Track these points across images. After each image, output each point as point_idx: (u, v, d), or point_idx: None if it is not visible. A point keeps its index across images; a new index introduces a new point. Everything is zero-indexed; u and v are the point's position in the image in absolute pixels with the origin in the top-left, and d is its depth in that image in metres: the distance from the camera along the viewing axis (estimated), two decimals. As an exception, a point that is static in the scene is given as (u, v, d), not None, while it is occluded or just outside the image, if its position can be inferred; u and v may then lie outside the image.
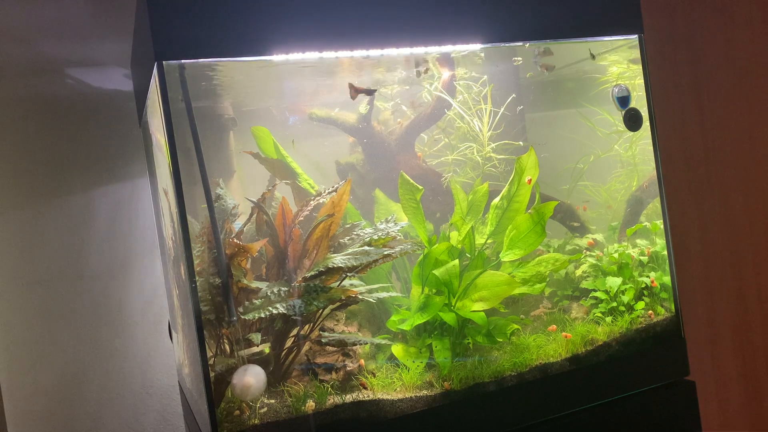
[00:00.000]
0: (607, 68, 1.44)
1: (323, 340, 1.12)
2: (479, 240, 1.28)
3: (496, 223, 1.28)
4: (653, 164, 1.31)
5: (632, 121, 1.31)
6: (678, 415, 1.24)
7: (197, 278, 0.97)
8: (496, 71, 1.41)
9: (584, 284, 1.35)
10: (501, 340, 1.19)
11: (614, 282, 1.31)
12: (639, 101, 1.31)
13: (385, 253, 1.12)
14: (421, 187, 1.22)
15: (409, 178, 1.22)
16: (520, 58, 1.39)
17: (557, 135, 1.54)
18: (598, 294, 1.32)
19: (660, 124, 1.32)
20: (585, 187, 1.55)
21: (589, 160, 1.52)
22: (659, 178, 1.31)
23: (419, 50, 1.17)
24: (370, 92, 1.21)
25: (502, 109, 1.41)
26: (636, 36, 1.27)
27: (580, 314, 1.32)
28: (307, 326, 1.13)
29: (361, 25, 1.05)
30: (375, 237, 1.16)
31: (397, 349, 1.14)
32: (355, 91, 1.17)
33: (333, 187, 1.17)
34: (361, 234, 1.19)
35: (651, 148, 1.30)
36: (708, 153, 1.96)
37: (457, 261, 1.19)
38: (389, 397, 1.06)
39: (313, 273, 1.08)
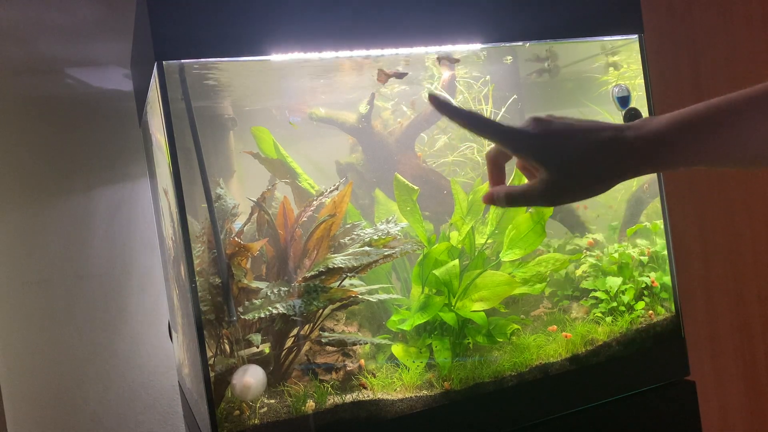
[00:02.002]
0: (606, 68, 1.44)
1: (323, 340, 1.12)
2: (479, 240, 1.28)
3: (496, 223, 1.28)
4: (653, 164, 1.30)
5: (632, 121, 1.30)
6: (678, 415, 1.24)
7: (197, 278, 0.97)
8: (496, 70, 1.41)
9: (584, 284, 1.35)
10: (501, 340, 1.19)
11: (614, 282, 1.31)
12: (639, 101, 1.31)
13: (386, 253, 1.12)
14: (416, 188, 1.22)
15: (403, 179, 1.22)
16: (510, 57, 1.39)
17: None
18: (598, 294, 1.32)
19: (660, 124, 1.32)
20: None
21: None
22: (659, 178, 1.31)
23: (419, 50, 1.17)
24: (400, 75, 1.20)
25: (503, 110, 1.41)
26: (636, 36, 1.27)
27: (580, 314, 1.32)
28: (307, 326, 1.13)
29: (361, 25, 1.05)
30: (375, 237, 1.16)
31: (397, 349, 1.14)
32: (385, 76, 1.17)
33: (334, 185, 1.17)
34: (362, 234, 1.19)
35: (651, 148, 1.29)
36: (708, 153, 1.95)
37: (457, 261, 1.18)
38: (389, 397, 1.06)
39: (313, 273, 1.08)
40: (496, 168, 0.73)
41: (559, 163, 0.63)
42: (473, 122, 0.67)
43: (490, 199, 0.69)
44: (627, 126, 0.63)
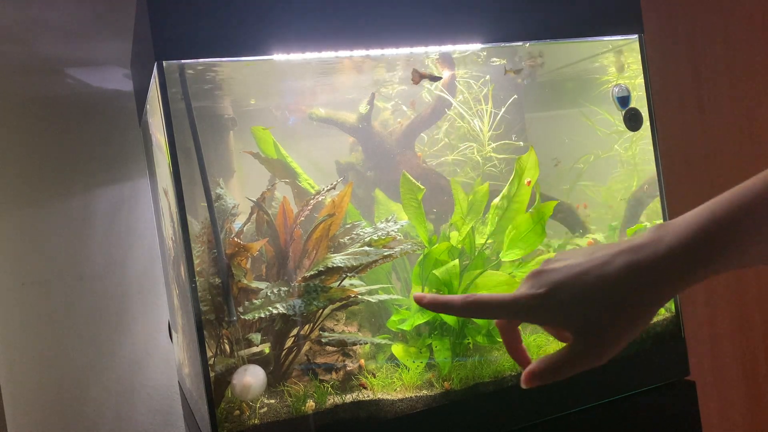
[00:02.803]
0: (607, 68, 1.44)
1: (323, 340, 1.12)
2: (479, 240, 1.28)
3: (496, 223, 1.28)
4: (653, 164, 1.31)
5: (632, 121, 1.31)
6: (678, 415, 1.24)
7: (197, 278, 0.97)
8: (496, 70, 1.41)
9: (584, 284, 1.35)
10: (501, 340, 1.19)
11: (614, 282, 1.30)
12: (639, 101, 1.31)
13: (385, 253, 1.12)
14: (422, 187, 1.22)
15: (411, 178, 1.22)
16: (498, 60, 1.39)
17: (557, 135, 1.54)
18: (598, 294, 1.31)
19: (660, 124, 1.32)
20: (585, 187, 1.55)
21: (589, 160, 1.53)
22: (659, 178, 1.31)
23: (419, 50, 1.17)
24: (434, 78, 1.19)
25: (503, 110, 1.41)
26: (636, 36, 1.27)
27: (580, 314, 1.32)
28: (307, 326, 1.13)
29: (361, 25, 1.05)
30: (375, 237, 1.16)
31: (397, 349, 1.14)
32: (419, 76, 1.16)
33: (332, 184, 1.17)
34: (361, 234, 1.19)
35: (651, 148, 1.30)
36: (708, 153, 1.96)
37: (457, 261, 1.18)
38: (389, 397, 1.06)
39: (312, 273, 1.08)
40: (511, 335, 0.62)
41: (582, 321, 0.54)
42: (471, 311, 0.58)
43: (531, 380, 0.57)
44: (639, 245, 0.52)
